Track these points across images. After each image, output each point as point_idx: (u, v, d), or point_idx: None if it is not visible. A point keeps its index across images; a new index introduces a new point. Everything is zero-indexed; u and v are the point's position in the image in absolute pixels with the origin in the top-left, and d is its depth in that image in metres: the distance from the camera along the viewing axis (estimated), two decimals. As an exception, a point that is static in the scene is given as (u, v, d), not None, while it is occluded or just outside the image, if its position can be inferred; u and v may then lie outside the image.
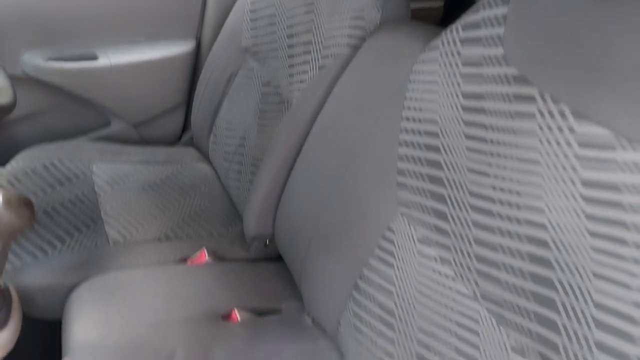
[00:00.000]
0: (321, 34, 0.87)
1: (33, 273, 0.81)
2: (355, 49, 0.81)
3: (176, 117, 1.33)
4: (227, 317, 0.80)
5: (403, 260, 0.63)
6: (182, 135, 1.35)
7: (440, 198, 0.59)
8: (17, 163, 1.01)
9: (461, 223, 0.56)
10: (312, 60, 0.88)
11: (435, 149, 0.60)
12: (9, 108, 0.78)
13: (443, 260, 0.58)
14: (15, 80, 0.90)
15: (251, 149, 0.99)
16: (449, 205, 0.58)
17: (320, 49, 0.87)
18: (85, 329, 0.71)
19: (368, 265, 0.68)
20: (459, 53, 0.60)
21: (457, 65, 0.59)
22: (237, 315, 0.80)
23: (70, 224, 0.90)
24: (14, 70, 1.09)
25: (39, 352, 0.89)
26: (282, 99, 0.94)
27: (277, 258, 0.95)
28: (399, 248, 0.64)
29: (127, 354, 0.68)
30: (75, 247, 0.86)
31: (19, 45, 1.10)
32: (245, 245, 0.97)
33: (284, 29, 0.96)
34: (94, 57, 1.17)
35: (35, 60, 1.12)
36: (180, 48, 1.24)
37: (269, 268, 0.95)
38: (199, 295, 0.82)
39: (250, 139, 1.00)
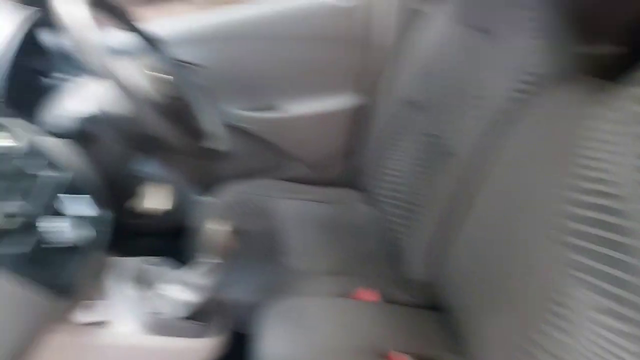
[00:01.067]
0: (489, 88, 0.89)
1: (230, 290, 0.95)
2: (524, 103, 0.81)
3: (348, 161, 1.45)
4: (384, 356, 0.84)
5: (578, 328, 0.60)
6: (354, 179, 1.46)
7: (622, 265, 0.55)
8: (224, 196, 1.21)
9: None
10: (480, 115, 0.90)
11: (614, 212, 0.57)
12: (226, 152, 0.96)
13: (626, 335, 0.54)
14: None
15: (411, 195, 1.03)
16: (632, 274, 0.54)
17: (488, 104, 0.89)
18: (274, 344, 0.82)
19: (539, 329, 0.65)
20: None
21: (637, 123, 0.57)
22: (394, 357, 0.83)
23: (261, 251, 1.05)
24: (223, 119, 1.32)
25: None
26: (447, 151, 0.96)
27: (440, 307, 0.96)
28: (573, 314, 0.61)
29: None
30: (265, 272, 1.00)
31: (225, 99, 1.32)
32: (408, 289, 1.01)
33: (453, 84, 1.00)
34: (274, 108, 1.35)
35: (236, 111, 1.34)
36: (348, 101, 1.37)
37: (429, 315, 0.96)
38: (362, 331, 0.88)
39: (411, 186, 1.05)
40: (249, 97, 1.35)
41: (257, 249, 1.06)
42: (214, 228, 0.71)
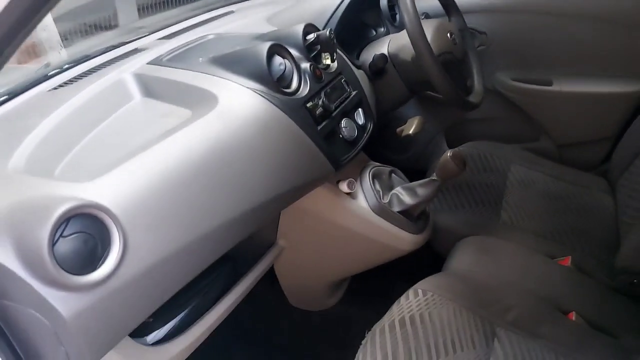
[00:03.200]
0: None
1: (444, 216, 1.17)
2: None
3: (600, 147, 1.43)
4: (565, 312, 0.93)
5: None
6: (600, 166, 1.44)
7: None
8: (463, 148, 1.40)
9: None
10: None
11: None
12: (475, 106, 1.15)
13: None
14: (485, 90, 1.26)
15: None
16: None
17: None
18: (464, 262, 1.02)
19: None
20: None
21: None
22: (574, 316, 0.92)
23: (478, 197, 1.22)
24: (487, 83, 1.48)
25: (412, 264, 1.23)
26: None
27: (633, 295, 0.97)
28: None
29: (483, 286, 0.94)
30: (475, 213, 1.18)
31: (496, 66, 1.47)
32: (610, 275, 1.03)
33: None
34: (549, 83, 1.42)
35: (504, 79, 1.47)
36: (629, 87, 1.33)
37: (626, 303, 0.98)
38: (549, 283, 0.98)
39: None
40: (526, 68, 1.46)
41: (475, 193, 1.23)
42: (447, 155, 0.93)
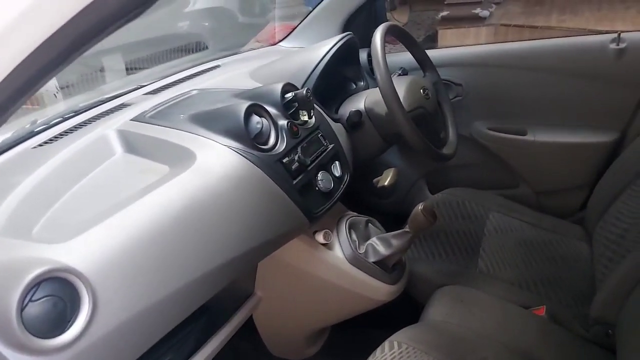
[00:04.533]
0: None
1: (421, 265, 1.19)
2: None
3: (577, 195, 1.47)
4: (537, 365, 0.94)
5: None
6: (577, 213, 1.47)
7: None
8: (442, 195, 1.44)
9: None
10: None
11: None
12: (449, 157, 1.19)
13: None
14: (462, 137, 1.31)
15: (627, 240, 1.04)
16: None
17: None
18: (439, 313, 1.03)
19: None
20: None
21: None
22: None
23: (456, 245, 1.24)
24: (464, 131, 1.53)
25: (391, 313, 1.22)
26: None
27: (604, 346, 0.98)
28: None
29: (458, 337, 0.95)
30: (452, 262, 1.20)
31: (472, 115, 1.53)
32: (585, 325, 1.04)
33: None
34: (523, 133, 1.47)
35: (480, 128, 1.52)
36: (601, 137, 1.38)
37: (597, 352, 0.99)
38: (523, 335, 0.99)
39: (630, 230, 1.05)
40: (501, 118, 1.51)
41: (452, 241, 1.25)
42: (419, 208, 0.96)
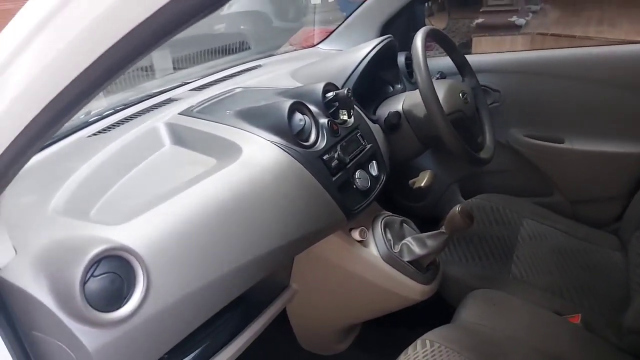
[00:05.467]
0: None
1: (454, 267, 1.20)
2: None
3: (612, 205, 1.44)
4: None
5: None
6: (612, 224, 1.45)
7: None
8: (476, 200, 1.44)
9: None
10: None
11: None
12: (486, 162, 1.19)
13: None
14: (497, 144, 1.31)
15: None
16: None
17: None
18: (471, 315, 1.03)
19: None
20: None
21: None
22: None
23: (489, 250, 1.24)
24: (500, 138, 1.53)
25: (421, 313, 1.25)
26: None
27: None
28: None
29: (489, 340, 0.96)
30: (485, 266, 1.20)
31: (509, 122, 1.52)
32: (618, 334, 1.03)
33: None
34: (561, 141, 1.46)
35: (516, 135, 1.52)
36: (633, 147, 1.36)
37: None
38: (556, 341, 0.98)
39: None
40: (538, 125, 1.50)
41: (486, 246, 1.25)
42: (456, 210, 0.97)
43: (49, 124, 0.48)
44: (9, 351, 0.62)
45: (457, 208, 0.96)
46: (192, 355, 0.90)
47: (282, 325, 1.27)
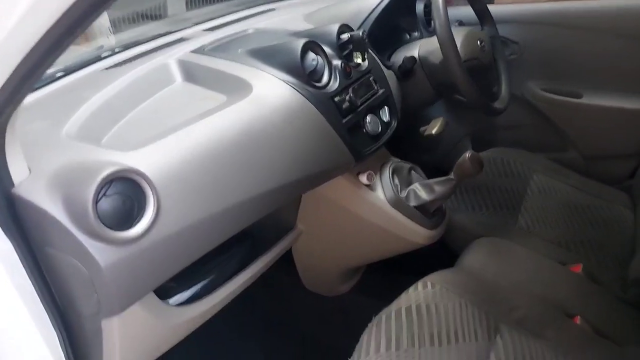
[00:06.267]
0: None
1: (461, 215, 1.21)
2: None
3: (627, 163, 1.42)
4: (570, 317, 0.95)
5: None
6: (625, 182, 1.43)
7: None
8: (487, 153, 1.43)
9: None
10: None
11: None
12: (499, 111, 1.18)
13: None
14: (515, 98, 1.29)
15: None
16: None
17: None
18: (476, 260, 1.05)
19: None
20: None
21: None
22: (579, 321, 0.94)
23: (497, 201, 1.25)
24: (516, 91, 1.50)
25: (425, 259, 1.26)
26: None
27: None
28: None
29: (491, 285, 0.97)
30: (492, 215, 1.21)
31: (526, 75, 1.49)
32: (622, 287, 1.04)
33: None
34: (579, 96, 1.43)
35: (533, 88, 1.48)
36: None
37: (632, 312, 0.99)
38: (558, 288, 1.00)
39: None
40: (556, 79, 1.47)
41: (494, 197, 1.25)
42: (466, 156, 0.96)
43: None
44: (24, 266, 0.65)
45: (468, 154, 0.96)
46: (198, 285, 0.93)
47: (287, 267, 1.30)
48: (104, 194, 0.61)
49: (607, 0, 1.38)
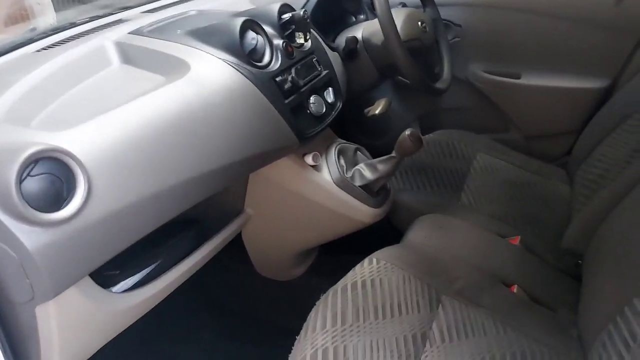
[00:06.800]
0: None
1: (406, 195, 1.24)
2: None
3: (564, 140, 1.50)
4: (508, 286, 1.00)
5: None
6: (562, 158, 1.51)
7: None
8: (433, 135, 1.46)
9: None
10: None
11: None
12: (441, 91, 1.21)
13: None
14: (457, 80, 1.32)
15: (603, 179, 1.08)
16: None
17: None
18: (419, 236, 1.08)
19: (636, 292, 0.73)
20: None
21: None
22: (515, 289, 0.99)
23: (441, 180, 1.29)
24: (460, 74, 1.54)
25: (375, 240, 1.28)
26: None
27: (574, 276, 1.04)
28: None
29: (434, 258, 1.01)
30: (436, 194, 1.24)
31: (469, 57, 1.53)
32: (557, 256, 1.10)
33: None
34: (518, 77, 1.48)
35: (476, 71, 1.53)
36: (593, 83, 1.40)
37: (568, 281, 1.05)
38: (496, 259, 1.04)
39: (609, 170, 1.09)
40: (497, 61, 1.52)
41: (438, 176, 1.29)
42: (405, 133, 0.99)
43: None
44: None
45: (407, 132, 0.98)
46: (143, 271, 0.92)
47: (239, 253, 1.30)
48: (29, 174, 0.59)
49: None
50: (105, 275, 0.82)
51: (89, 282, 0.74)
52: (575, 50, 1.40)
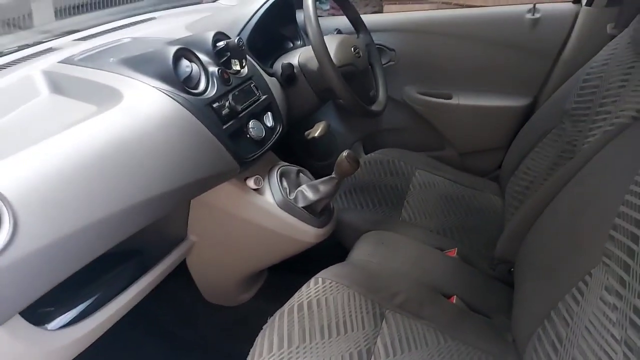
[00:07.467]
0: (621, 104, 0.96)
1: (350, 214, 1.27)
2: (636, 120, 0.88)
3: (495, 156, 1.59)
4: (447, 297, 1.04)
5: (587, 303, 0.72)
6: (494, 172, 1.60)
7: (632, 255, 0.66)
8: (374, 154, 1.51)
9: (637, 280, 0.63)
10: (602, 126, 0.98)
11: None
12: (377, 114, 1.26)
13: (613, 307, 0.66)
14: (394, 102, 1.38)
15: (531, 190, 1.15)
16: (636, 263, 0.65)
17: (613, 116, 0.96)
18: (362, 253, 1.11)
19: (563, 300, 0.78)
20: None
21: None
22: (455, 300, 1.03)
23: (382, 198, 1.33)
24: (396, 96, 1.61)
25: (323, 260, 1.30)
26: (573, 156, 1.07)
27: (507, 282, 1.10)
28: (589, 293, 0.73)
29: (376, 274, 1.03)
30: (378, 211, 1.28)
31: (404, 80, 1.61)
32: (492, 265, 1.16)
33: (600, 98, 1.08)
34: (449, 97, 1.57)
35: (411, 92, 1.61)
36: (517, 101, 1.50)
37: (502, 288, 1.11)
38: (435, 272, 1.09)
39: (535, 183, 1.17)
40: (430, 83, 1.60)
41: (380, 194, 1.33)
42: (343, 155, 1.02)
43: None
44: None
45: (344, 154, 1.01)
46: (80, 306, 0.88)
47: (185, 280, 1.27)
48: (-52, 213, 0.57)
49: (468, 10, 1.54)
50: (39, 313, 0.78)
51: (19, 321, 0.71)
52: (500, 72, 1.51)
